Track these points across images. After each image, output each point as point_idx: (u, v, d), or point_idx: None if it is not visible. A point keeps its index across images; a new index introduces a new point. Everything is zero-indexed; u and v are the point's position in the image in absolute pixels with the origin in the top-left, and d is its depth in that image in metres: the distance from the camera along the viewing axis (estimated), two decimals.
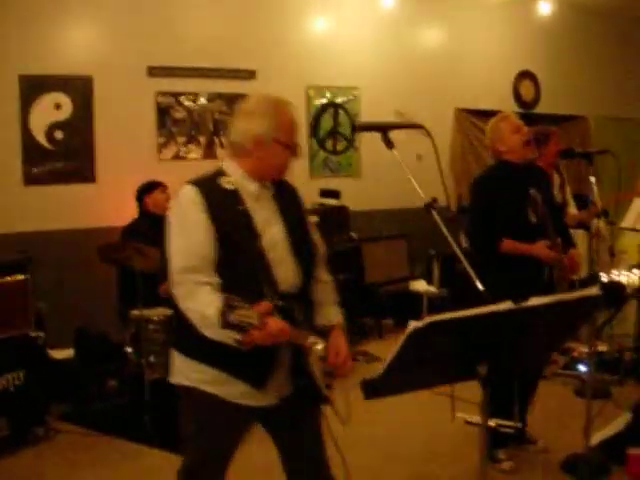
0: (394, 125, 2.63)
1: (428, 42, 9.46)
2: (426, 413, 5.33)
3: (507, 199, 4.38)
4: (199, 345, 2.67)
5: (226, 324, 2.31)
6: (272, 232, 2.77)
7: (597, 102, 11.23)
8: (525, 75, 10.53)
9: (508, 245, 4.36)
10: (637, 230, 7.34)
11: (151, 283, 5.44)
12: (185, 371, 2.82)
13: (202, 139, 7.56)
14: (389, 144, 2.57)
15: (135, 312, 5.43)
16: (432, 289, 8.07)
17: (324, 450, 3.04)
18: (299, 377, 2.76)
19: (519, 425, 4.06)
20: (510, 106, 10.09)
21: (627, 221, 7.39)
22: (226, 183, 2.74)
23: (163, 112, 7.35)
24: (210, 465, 2.89)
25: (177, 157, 7.42)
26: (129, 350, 5.55)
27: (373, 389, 2.27)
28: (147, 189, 6.07)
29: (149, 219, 6.01)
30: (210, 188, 2.72)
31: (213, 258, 2.65)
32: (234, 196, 2.72)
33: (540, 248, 4.34)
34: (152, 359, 5.45)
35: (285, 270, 2.75)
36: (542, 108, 10.55)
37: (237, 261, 2.66)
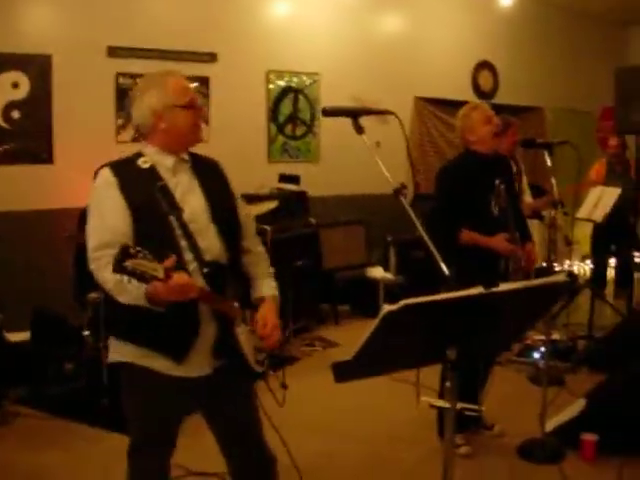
0: (365, 110, 2.63)
1: (389, 29, 9.49)
2: (384, 398, 5.38)
3: (472, 189, 4.42)
4: (122, 323, 2.77)
5: (119, 268, 2.33)
6: (192, 204, 2.81)
7: (554, 94, 11.39)
8: (484, 65, 10.64)
9: (467, 236, 4.41)
10: (592, 220, 7.47)
11: None
12: (118, 348, 2.86)
13: None
14: (359, 129, 2.58)
15: (92, 295, 5.39)
16: (389, 276, 8.12)
17: (260, 428, 3.08)
18: (225, 350, 2.81)
19: (482, 409, 4.12)
20: (469, 96, 10.18)
21: (583, 212, 7.52)
22: (142, 162, 2.79)
23: (122, 93, 7.25)
24: (152, 440, 2.91)
25: (136, 139, 7.31)
26: (86, 333, 5.50)
27: (344, 372, 2.29)
28: None
29: None
30: (126, 168, 2.79)
31: (128, 234, 2.68)
32: (151, 173, 2.77)
33: (498, 241, 4.39)
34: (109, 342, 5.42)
35: (208, 240, 2.79)
36: (500, 98, 10.66)
37: (157, 236, 2.70)
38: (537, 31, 11.17)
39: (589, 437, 4.58)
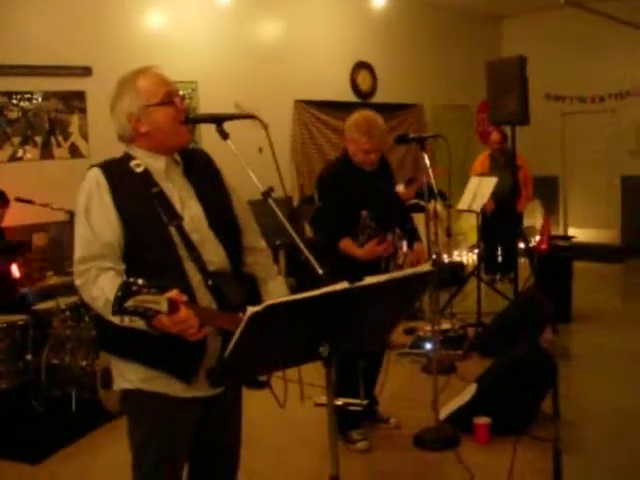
0: (227, 116, 2.62)
1: (265, 34, 9.53)
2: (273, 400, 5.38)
3: (348, 196, 4.44)
4: (124, 342, 2.51)
5: (120, 310, 2.12)
6: (190, 211, 2.62)
7: (433, 90, 11.67)
8: (362, 65, 10.77)
9: (343, 245, 4.41)
10: (472, 211, 7.67)
11: None
12: (123, 373, 2.64)
13: (38, 139, 7.31)
14: (224, 135, 2.57)
15: None
16: None
17: (240, 447, 2.96)
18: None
19: (365, 402, 4.16)
20: (348, 96, 10.34)
21: (462, 203, 7.71)
22: (135, 166, 2.59)
23: None
24: (164, 469, 2.68)
25: (13, 159, 7.15)
26: None
27: (218, 375, 2.29)
28: None
29: None
30: (118, 170, 2.58)
31: (118, 245, 2.51)
32: (146, 178, 2.58)
33: (366, 252, 4.29)
34: None
35: (210, 249, 2.60)
36: (379, 98, 10.83)
37: (156, 248, 2.52)
38: (412, 29, 11.42)
39: (482, 421, 4.70)
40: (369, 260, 4.30)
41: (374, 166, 4.58)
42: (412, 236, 4.77)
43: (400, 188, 7.20)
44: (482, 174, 8.40)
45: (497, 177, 7.73)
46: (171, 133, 2.63)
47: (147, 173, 2.60)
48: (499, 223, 8.68)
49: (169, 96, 2.63)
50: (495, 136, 9.04)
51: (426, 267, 2.25)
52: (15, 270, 5.97)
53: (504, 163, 8.68)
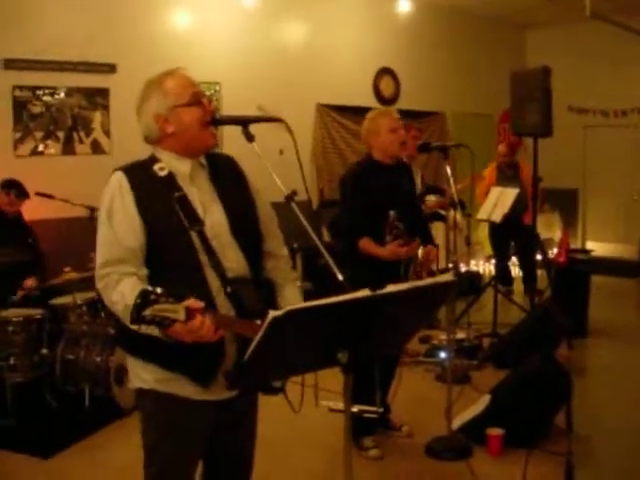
0: (254, 119, 2.62)
1: (290, 38, 9.52)
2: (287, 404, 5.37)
3: (371, 198, 4.44)
4: (142, 342, 2.48)
5: (137, 319, 2.14)
6: (212, 217, 2.61)
7: (455, 99, 11.64)
8: (385, 71, 10.76)
9: (363, 244, 4.43)
10: (492, 221, 7.65)
11: (5, 282, 5.29)
12: (139, 372, 2.64)
13: (60, 134, 7.33)
14: (249, 137, 2.57)
15: None
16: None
17: (254, 451, 2.95)
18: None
19: (380, 410, 4.15)
20: (371, 102, 10.30)
21: (482, 213, 7.70)
22: (159, 169, 2.59)
23: (20, 106, 7.08)
24: (175, 471, 2.69)
25: (35, 153, 7.17)
26: None
27: (236, 378, 2.29)
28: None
29: None
30: (141, 174, 2.59)
31: (140, 249, 2.51)
32: (169, 182, 2.58)
33: (389, 252, 4.36)
34: (13, 361, 5.29)
35: (230, 256, 2.59)
36: (401, 104, 10.77)
37: (176, 253, 2.52)
38: (436, 36, 11.40)
39: (495, 432, 4.68)
40: (388, 264, 4.31)
41: (405, 150, 4.57)
42: (425, 240, 4.75)
43: (431, 197, 7.17)
44: (489, 186, 8.37)
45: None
46: (197, 134, 2.63)
47: (171, 177, 2.60)
48: (508, 236, 8.66)
49: (196, 97, 2.63)
50: (502, 148, 8.98)
51: (448, 277, 2.24)
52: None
53: (512, 176, 8.65)
